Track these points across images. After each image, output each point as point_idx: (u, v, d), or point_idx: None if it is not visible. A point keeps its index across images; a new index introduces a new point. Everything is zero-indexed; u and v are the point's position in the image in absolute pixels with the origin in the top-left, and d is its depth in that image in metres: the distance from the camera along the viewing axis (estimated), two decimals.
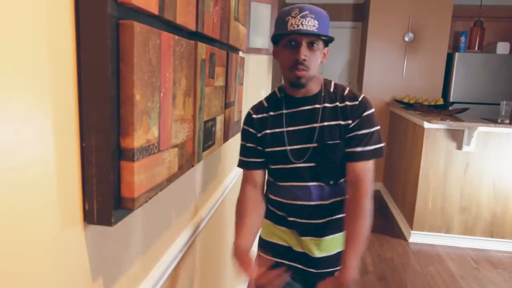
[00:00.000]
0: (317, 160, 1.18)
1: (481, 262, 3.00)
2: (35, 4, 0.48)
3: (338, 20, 4.93)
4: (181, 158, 0.86)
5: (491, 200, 3.18)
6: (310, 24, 1.06)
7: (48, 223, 0.54)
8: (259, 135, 1.22)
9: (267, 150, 1.22)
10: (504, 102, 3.17)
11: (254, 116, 1.24)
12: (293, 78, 1.12)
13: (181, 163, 0.86)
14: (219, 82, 1.17)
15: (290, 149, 1.19)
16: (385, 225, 3.66)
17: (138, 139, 0.63)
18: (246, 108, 2.14)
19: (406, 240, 3.35)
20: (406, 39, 4.39)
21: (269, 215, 1.32)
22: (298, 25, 1.06)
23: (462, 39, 4.52)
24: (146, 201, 0.69)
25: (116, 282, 0.76)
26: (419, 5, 4.31)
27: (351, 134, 1.16)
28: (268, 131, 1.21)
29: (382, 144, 1.18)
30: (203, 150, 1.04)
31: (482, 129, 3.05)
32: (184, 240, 1.14)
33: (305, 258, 1.26)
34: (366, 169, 1.16)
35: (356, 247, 1.11)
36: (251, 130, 1.24)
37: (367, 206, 1.14)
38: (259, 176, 1.26)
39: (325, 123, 1.17)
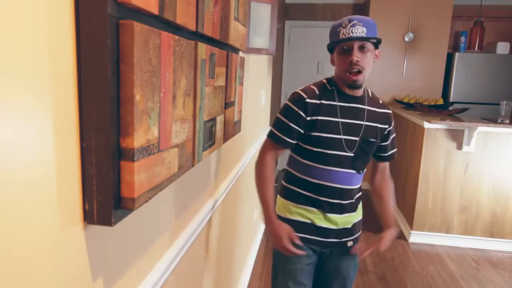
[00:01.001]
0: (357, 151, 1.39)
1: (481, 262, 3.00)
2: (35, 4, 0.48)
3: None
4: (181, 158, 0.86)
5: (491, 200, 3.18)
6: (359, 31, 1.24)
7: (48, 223, 0.54)
8: (308, 118, 1.34)
9: (314, 134, 1.35)
10: (504, 102, 3.18)
11: (308, 100, 1.34)
12: (350, 81, 1.30)
13: (181, 163, 0.86)
14: (219, 82, 1.17)
15: (345, 139, 1.36)
16: None
17: (138, 139, 0.63)
18: (246, 108, 2.14)
19: (406, 240, 3.35)
20: (406, 39, 4.39)
21: (290, 195, 1.47)
22: (348, 33, 1.25)
23: (462, 39, 4.52)
24: (146, 201, 0.69)
25: (116, 282, 0.76)
26: (419, 5, 4.31)
27: (389, 140, 1.49)
28: (320, 118, 1.34)
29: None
30: (203, 150, 1.04)
31: (482, 129, 3.05)
32: (184, 240, 1.14)
33: (325, 231, 1.45)
34: (388, 166, 1.59)
35: (393, 211, 1.55)
36: (301, 112, 1.34)
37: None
38: (281, 153, 1.45)
39: (368, 123, 1.39)
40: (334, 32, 1.30)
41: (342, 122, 1.35)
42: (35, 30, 0.49)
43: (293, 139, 1.38)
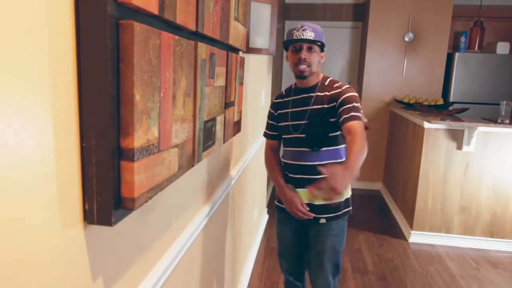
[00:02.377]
0: (307, 132, 1.65)
1: (481, 262, 3.00)
2: (35, 4, 0.48)
3: (338, 20, 4.93)
4: (181, 158, 0.86)
5: (491, 200, 3.18)
6: (308, 35, 1.55)
7: (48, 223, 0.54)
8: (275, 114, 1.77)
9: (279, 124, 1.75)
10: (504, 102, 3.17)
11: (275, 100, 1.80)
12: (298, 72, 1.62)
13: (181, 163, 0.86)
14: (219, 82, 1.17)
15: (291, 124, 1.68)
16: (385, 225, 3.66)
17: (138, 139, 0.63)
18: (246, 108, 2.14)
19: (406, 240, 3.35)
20: (406, 39, 4.39)
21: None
22: (300, 35, 1.56)
23: (462, 39, 4.52)
24: (146, 201, 0.69)
25: (116, 282, 0.76)
26: (419, 5, 4.31)
27: (340, 109, 1.56)
28: (280, 111, 1.74)
29: (361, 115, 1.54)
30: (203, 150, 1.04)
31: (482, 129, 3.05)
32: (184, 240, 1.14)
33: None
34: (354, 125, 1.48)
35: (356, 153, 1.36)
36: (272, 110, 1.80)
37: (362, 141, 1.41)
38: (276, 143, 1.83)
39: (314, 107, 1.63)
40: (289, 33, 1.60)
41: (291, 112, 1.69)
42: (35, 30, 0.49)
43: (274, 131, 1.79)
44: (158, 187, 0.73)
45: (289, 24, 5.07)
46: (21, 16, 0.46)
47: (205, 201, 1.43)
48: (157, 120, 0.70)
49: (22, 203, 0.49)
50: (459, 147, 3.14)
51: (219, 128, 1.21)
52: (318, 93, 1.64)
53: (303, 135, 1.65)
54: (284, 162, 1.76)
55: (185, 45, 0.82)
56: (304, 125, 1.64)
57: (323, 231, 1.68)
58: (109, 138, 0.59)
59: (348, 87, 1.61)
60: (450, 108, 4.25)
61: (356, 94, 1.60)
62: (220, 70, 1.16)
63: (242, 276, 2.47)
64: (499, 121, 3.08)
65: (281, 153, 1.81)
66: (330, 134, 1.63)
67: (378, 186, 4.74)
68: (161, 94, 0.71)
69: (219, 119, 1.21)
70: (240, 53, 1.74)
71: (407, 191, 3.55)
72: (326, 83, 1.65)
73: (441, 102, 3.97)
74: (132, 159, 0.62)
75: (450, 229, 3.27)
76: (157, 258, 0.97)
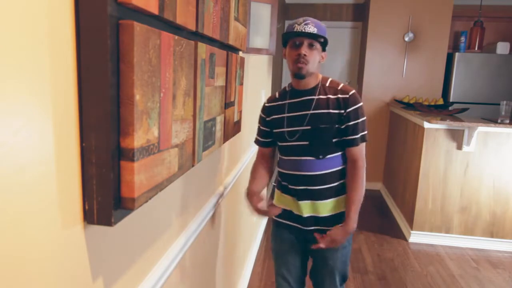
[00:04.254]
0: (310, 139, 1.49)
1: (481, 262, 3.00)
2: (35, 4, 0.48)
3: (338, 20, 4.93)
4: (181, 158, 0.86)
5: (491, 200, 3.18)
6: (310, 29, 1.41)
7: (48, 223, 0.54)
8: (268, 119, 1.60)
9: (273, 131, 1.59)
10: (504, 102, 3.17)
11: (267, 104, 1.62)
12: (296, 69, 1.45)
13: (181, 163, 0.86)
14: (219, 82, 1.17)
15: (287, 131, 1.52)
16: (385, 225, 3.66)
17: (138, 139, 0.63)
18: (246, 108, 2.14)
19: (406, 240, 3.35)
20: (406, 39, 4.39)
21: (279, 186, 1.64)
22: (301, 29, 1.41)
23: (462, 39, 4.52)
24: (146, 201, 0.69)
25: (116, 282, 0.76)
26: (419, 5, 4.31)
27: (344, 126, 1.47)
28: (274, 116, 1.57)
29: (366, 132, 1.51)
30: (203, 150, 1.04)
31: (482, 129, 3.05)
32: (184, 239, 1.14)
33: (301, 219, 1.57)
34: (359, 151, 1.50)
35: (355, 205, 1.48)
36: (263, 115, 1.63)
37: (362, 177, 1.50)
38: (268, 151, 1.68)
39: (316, 111, 1.48)
40: (290, 27, 1.46)
41: (287, 116, 1.53)
42: (35, 30, 0.49)
43: (265, 138, 1.65)
44: (158, 187, 0.73)
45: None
46: (21, 16, 0.46)
47: (205, 200, 1.43)
48: (157, 120, 0.70)
49: (22, 203, 0.49)
50: (459, 147, 3.14)
51: (219, 128, 1.21)
52: (320, 96, 1.48)
53: (306, 143, 1.48)
54: (282, 173, 1.58)
55: (185, 45, 0.82)
56: (304, 131, 1.48)
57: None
58: (109, 138, 0.59)
59: (353, 92, 1.49)
60: (450, 108, 4.25)
61: (361, 102, 1.50)
62: (220, 70, 1.16)
63: (242, 276, 2.46)
64: (499, 121, 3.08)
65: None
66: (334, 140, 1.48)
67: (378, 186, 4.74)
68: (161, 94, 0.71)
69: (219, 119, 1.21)
70: (240, 53, 1.74)
71: (407, 191, 3.55)
72: (327, 84, 1.51)
73: (441, 102, 3.97)
74: (132, 159, 0.62)
75: (450, 229, 3.27)
76: (157, 258, 0.97)
